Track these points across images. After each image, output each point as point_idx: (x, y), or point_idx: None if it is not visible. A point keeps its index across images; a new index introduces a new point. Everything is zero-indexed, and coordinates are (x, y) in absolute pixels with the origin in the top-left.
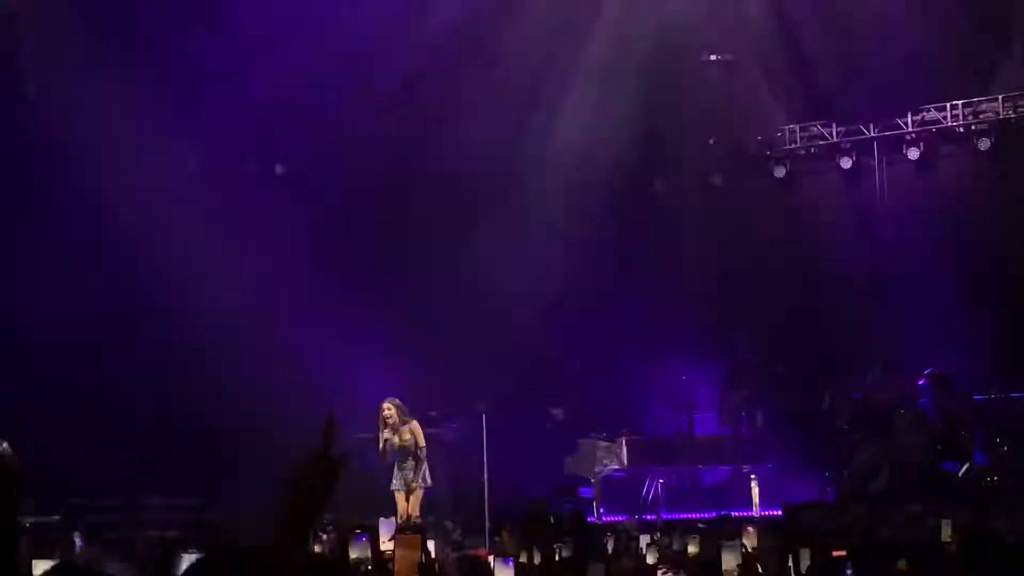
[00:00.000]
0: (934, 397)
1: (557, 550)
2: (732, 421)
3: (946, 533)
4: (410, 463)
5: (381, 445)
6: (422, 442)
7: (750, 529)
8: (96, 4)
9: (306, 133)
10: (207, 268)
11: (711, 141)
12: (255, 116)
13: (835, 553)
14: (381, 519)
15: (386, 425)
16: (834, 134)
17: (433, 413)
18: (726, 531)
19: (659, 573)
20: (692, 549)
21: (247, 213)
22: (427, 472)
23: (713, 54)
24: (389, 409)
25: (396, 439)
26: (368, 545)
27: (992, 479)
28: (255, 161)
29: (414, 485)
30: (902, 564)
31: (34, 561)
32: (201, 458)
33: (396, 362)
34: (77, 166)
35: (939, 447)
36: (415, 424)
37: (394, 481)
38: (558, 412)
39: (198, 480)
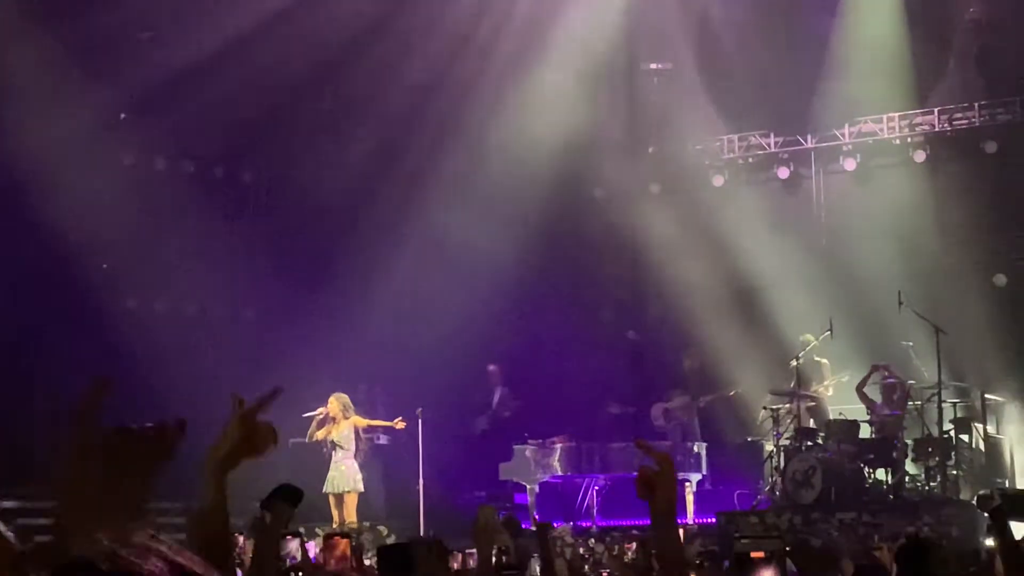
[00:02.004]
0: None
1: (496, 555)
2: (675, 427)
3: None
4: (343, 463)
5: (311, 430)
6: (360, 421)
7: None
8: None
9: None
10: (145, 268)
11: (650, 150)
12: (202, 119)
13: (753, 555)
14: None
15: (325, 415)
16: (772, 144)
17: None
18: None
19: None
20: (626, 555)
21: (188, 214)
22: (359, 476)
23: (653, 63)
24: (334, 403)
25: (334, 432)
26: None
27: (923, 488)
28: (194, 163)
29: (347, 489)
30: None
31: None
32: None
33: (335, 366)
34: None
35: (871, 456)
36: (357, 420)
37: (327, 484)
38: (481, 421)
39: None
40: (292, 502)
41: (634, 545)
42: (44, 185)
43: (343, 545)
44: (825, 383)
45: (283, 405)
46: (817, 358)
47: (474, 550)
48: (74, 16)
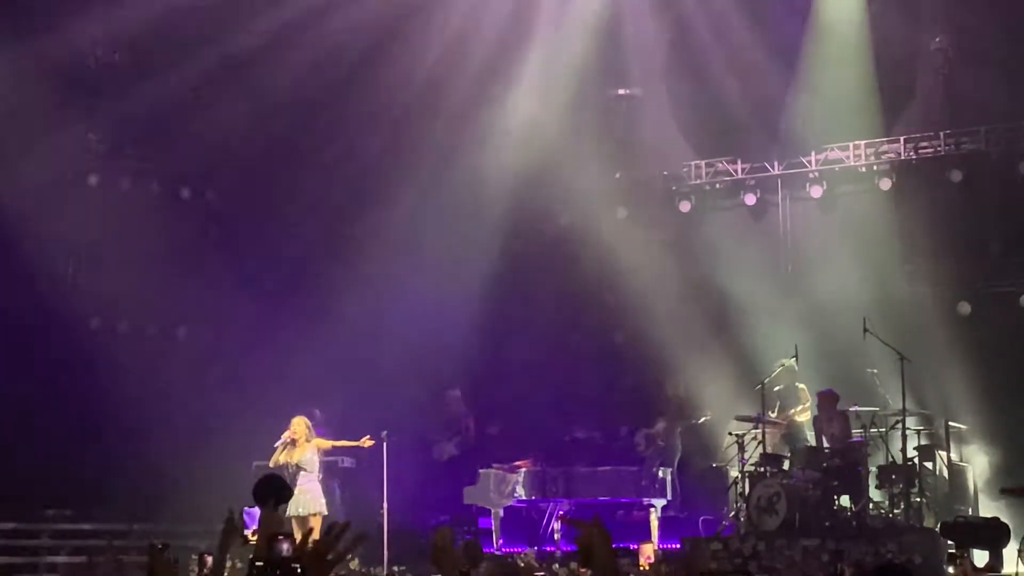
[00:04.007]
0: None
1: None
2: (652, 455)
3: None
4: (307, 486)
5: (275, 455)
6: (323, 442)
7: (648, 548)
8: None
9: (212, 154)
10: (108, 288)
11: (617, 175)
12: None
13: None
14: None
15: (290, 439)
16: (739, 170)
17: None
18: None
19: None
20: None
21: (152, 234)
22: (323, 499)
23: (621, 89)
24: (298, 425)
25: (296, 454)
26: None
27: (887, 515)
28: (160, 184)
29: (312, 512)
30: None
31: None
32: (114, 485)
33: (299, 387)
34: None
35: (835, 483)
36: (320, 442)
37: (290, 507)
38: (449, 446)
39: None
40: (276, 499)
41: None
42: (12, 205)
43: None
44: (798, 408)
45: (246, 425)
46: (798, 384)
47: None
48: (45, 38)
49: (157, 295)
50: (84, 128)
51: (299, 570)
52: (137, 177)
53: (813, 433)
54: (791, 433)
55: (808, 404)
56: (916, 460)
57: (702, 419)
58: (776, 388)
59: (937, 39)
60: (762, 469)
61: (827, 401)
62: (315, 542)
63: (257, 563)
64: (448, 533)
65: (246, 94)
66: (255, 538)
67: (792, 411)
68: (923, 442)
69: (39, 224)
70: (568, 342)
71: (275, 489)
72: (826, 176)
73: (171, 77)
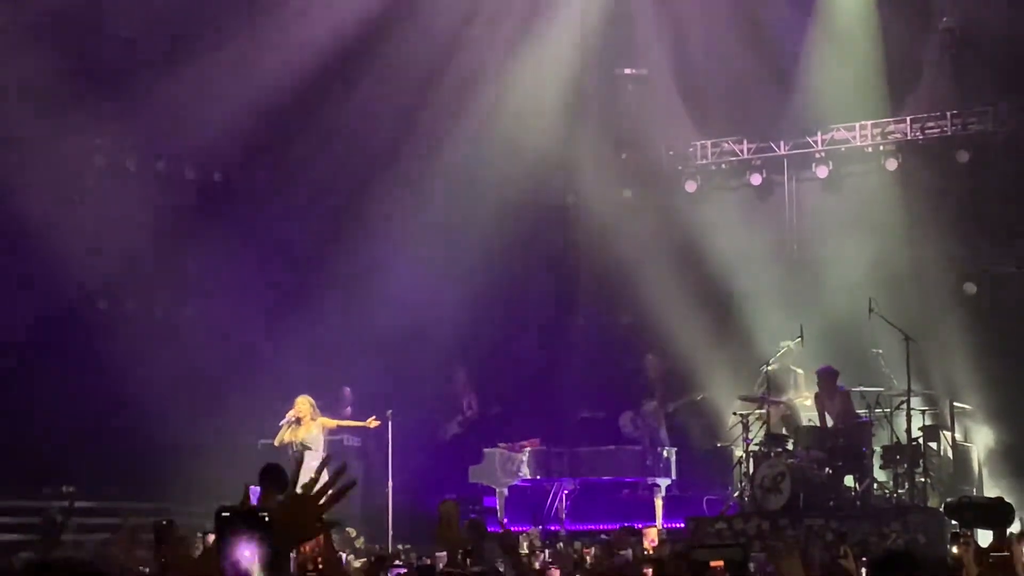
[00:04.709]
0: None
1: (461, 556)
2: (643, 433)
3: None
4: (312, 465)
5: (280, 433)
6: (329, 422)
7: (652, 532)
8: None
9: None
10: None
11: (623, 155)
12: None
13: (712, 564)
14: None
15: (294, 418)
16: (745, 150)
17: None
18: (624, 539)
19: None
20: (589, 557)
21: (166, 215)
22: (327, 478)
23: (628, 68)
24: (303, 404)
25: (301, 433)
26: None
27: (891, 495)
28: (172, 165)
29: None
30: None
31: None
32: (121, 463)
33: (308, 367)
34: None
35: (839, 463)
36: (325, 421)
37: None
38: (452, 425)
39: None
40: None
41: (593, 549)
42: (18, 190)
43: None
44: (805, 393)
45: (254, 405)
46: (792, 366)
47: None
48: (61, 21)
49: (164, 275)
50: (91, 111)
51: (266, 519)
52: (149, 158)
53: (816, 411)
54: (790, 414)
55: (809, 392)
56: (921, 440)
57: (699, 397)
58: (766, 368)
59: (944, 18)
60: (766, 449)
61: (827, 378)
62: (305, 484)
63: (223, 513)
64: (452, 506)
65: (252, 75)
66: None
67: (796, 397)
68: (928, 422)
69: (46, 206)
70: (573, 322)
71: (273, 480)
72: (832, 156)
73: (176, 60)
